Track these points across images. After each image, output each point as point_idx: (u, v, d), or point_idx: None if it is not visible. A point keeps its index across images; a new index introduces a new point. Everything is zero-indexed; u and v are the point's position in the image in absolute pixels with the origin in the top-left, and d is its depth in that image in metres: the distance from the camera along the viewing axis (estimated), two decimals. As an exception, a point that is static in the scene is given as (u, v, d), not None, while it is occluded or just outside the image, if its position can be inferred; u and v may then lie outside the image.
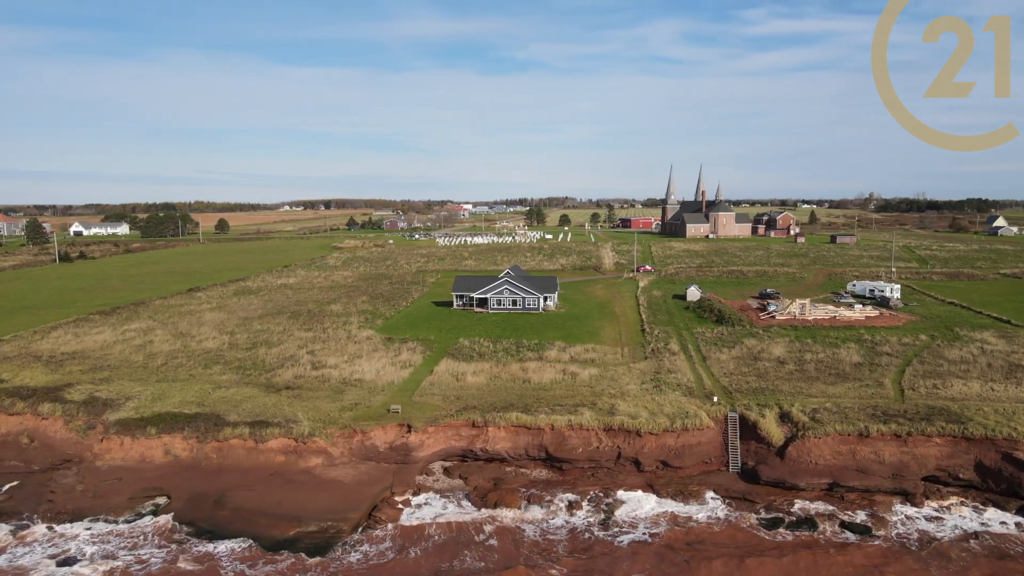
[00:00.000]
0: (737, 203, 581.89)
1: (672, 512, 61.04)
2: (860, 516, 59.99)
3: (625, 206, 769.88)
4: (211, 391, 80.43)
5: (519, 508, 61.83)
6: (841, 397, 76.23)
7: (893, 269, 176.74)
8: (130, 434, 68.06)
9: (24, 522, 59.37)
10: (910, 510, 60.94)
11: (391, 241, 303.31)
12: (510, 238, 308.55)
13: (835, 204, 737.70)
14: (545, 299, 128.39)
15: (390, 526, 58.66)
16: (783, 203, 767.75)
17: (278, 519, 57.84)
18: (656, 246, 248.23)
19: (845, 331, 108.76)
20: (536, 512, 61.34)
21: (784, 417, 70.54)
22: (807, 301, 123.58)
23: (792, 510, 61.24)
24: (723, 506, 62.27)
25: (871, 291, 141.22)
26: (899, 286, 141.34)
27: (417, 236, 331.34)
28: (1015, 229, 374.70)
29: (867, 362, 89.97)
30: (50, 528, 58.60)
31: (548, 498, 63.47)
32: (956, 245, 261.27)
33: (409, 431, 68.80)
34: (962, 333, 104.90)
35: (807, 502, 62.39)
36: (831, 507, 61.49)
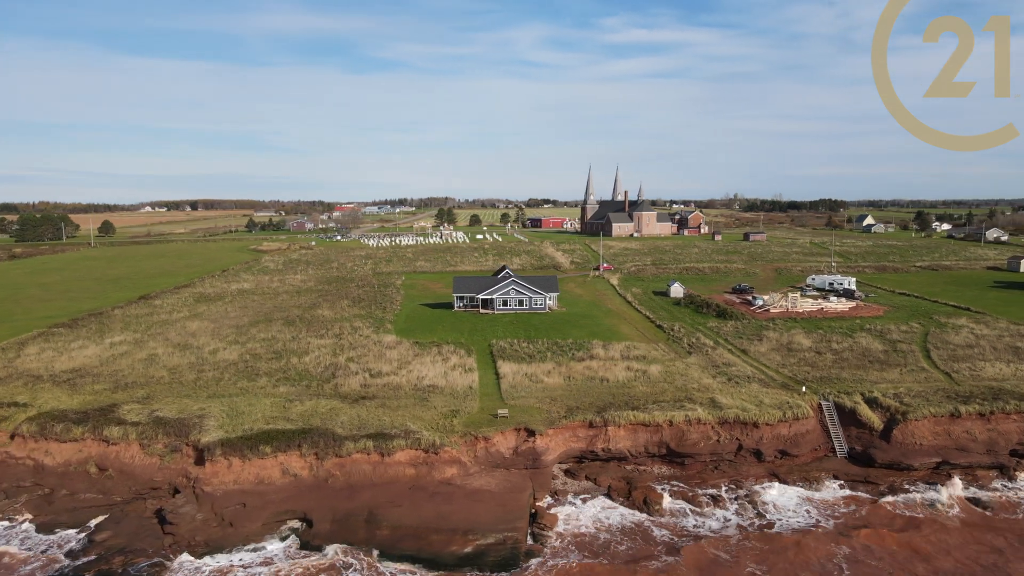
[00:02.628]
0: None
1: (812, 499, 63.71)
2: (974, 491, 65.29)
3: (510, 206, 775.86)
4: (285, 404, 74.83)
5: (665, 506, 62.36)
6: (902, 382, 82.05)
7: (833, 264, 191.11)
8: (239, 455, 62.09)
9: (157, 559, 53.01)
10: (1010, 482, 67.03)
11: (313, 243, 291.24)
12: (439, 238, 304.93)
13: (702, 204, 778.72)
14: (549, 299, 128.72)
15: (559, 532, 57.47)
16: (653, 203, 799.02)
17: (450, 534, 55.12)
18: (594, 246, 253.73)
19: (841, 321, 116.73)
20: (686, 508, 62.09)
21: (871, 403, 75.21)
22: (797, 294, 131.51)
23: (913, 488, 65.60)
24: (851, 490, 65.67)
25: (831, 284, 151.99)
26: (855, 279, 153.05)
27: (339, 237, 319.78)
28: (883, 226, 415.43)
29: (891, 349, 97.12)
30: (190, 564, 52.71)
31: (690, 494, 64.39)
32: (855, 242, 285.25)
33: (531, 435, 67.41)
34: (942, 321, 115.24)
35: (922, 482, 66.98)
36: (945, 484, 66.38)
